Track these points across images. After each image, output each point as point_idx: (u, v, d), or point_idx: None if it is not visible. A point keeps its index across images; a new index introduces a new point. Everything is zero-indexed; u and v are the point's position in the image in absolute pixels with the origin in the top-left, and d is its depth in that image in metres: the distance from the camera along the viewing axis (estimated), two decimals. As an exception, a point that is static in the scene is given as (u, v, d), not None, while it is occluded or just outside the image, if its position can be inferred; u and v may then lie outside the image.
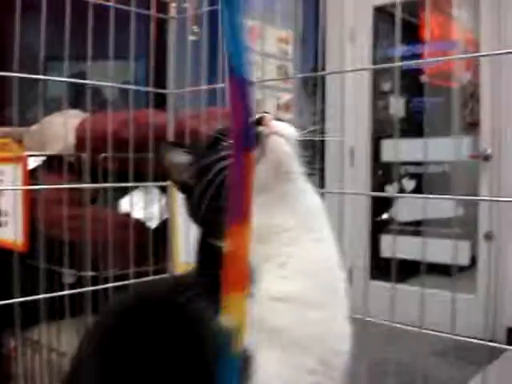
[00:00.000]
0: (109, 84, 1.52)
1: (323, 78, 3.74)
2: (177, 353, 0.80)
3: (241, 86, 0.58)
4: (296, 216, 0.82)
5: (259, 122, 0.75)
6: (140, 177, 1.70)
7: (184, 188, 0.89)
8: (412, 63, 2.55)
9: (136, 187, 1.73)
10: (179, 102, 1.69)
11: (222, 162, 0.77)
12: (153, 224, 1.79)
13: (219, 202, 0.76)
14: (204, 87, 1.57)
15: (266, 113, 0.81)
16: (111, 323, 0.93)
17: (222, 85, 1.46)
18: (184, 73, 1.61)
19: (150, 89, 1.64)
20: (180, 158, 0.88)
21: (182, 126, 1.72)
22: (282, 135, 0.79)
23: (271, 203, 0.81)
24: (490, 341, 3.15)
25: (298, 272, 0.80)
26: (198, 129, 1.70)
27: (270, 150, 0.78)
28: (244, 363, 0.76)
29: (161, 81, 1.80)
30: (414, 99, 3.73)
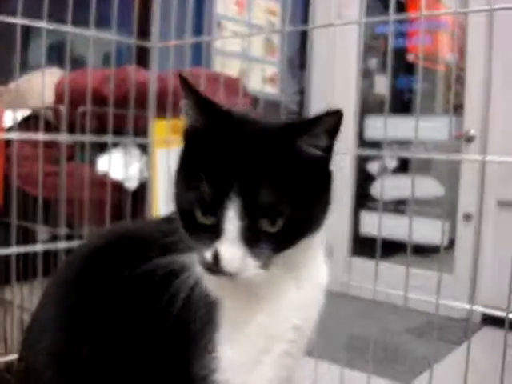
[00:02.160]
0: (91, 33, 1.45)
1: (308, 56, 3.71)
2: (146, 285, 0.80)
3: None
4: None
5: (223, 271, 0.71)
6: (119, 135, 1.67)
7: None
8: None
9: (115, 146, 1.69)
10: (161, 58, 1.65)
11: None
12: (132, 184, 1.74)
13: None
14: (189, 41, 1.52)
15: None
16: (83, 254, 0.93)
17: (207, 38, 1.42)
18: (168, 28, 1.56)
19: (133, 41, 1.58)
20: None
21: (165, 84, 1.68)
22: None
23: None
24: (465, 320, 3.19)
25: None
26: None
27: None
28: (210, 306, 0.78)
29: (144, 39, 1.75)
30: (400, 78, 3.72)
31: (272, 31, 2.34)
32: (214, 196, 0.71)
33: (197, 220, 0.73)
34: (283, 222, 0.71)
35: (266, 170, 0.71)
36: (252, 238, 0.71)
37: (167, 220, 0.85)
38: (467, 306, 1.21)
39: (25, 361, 0.87)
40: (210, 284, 0.79)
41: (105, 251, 0.90)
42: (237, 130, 0.76)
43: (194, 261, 0.77)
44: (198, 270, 0.78)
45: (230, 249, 0.70)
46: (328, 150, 0.76)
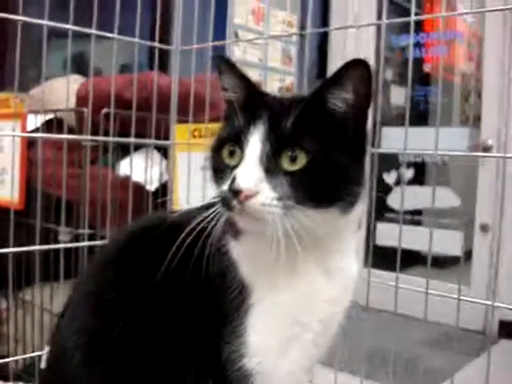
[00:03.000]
0: (114, 35, 1.47)
1: (325, 68, 3.74)
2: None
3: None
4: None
5: (237, 193, 0.71)
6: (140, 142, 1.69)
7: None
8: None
9: (136, 149, 1.71)
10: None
11: None
12: (152, 187, 1.76)
13: None
14: (211, 44, 1.54)
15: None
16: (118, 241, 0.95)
17: (230, 41, 1.43)
18: (189, 32, 1.58)
19: (156, 44, 1.60)
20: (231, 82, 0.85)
21: (186, 88, 1.70)
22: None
23: None
24: (482, 332, 3.15)
25: None
26: (202, 93, 1.67)
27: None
28: (242, 290, 0.79)
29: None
30: (416, 88, 3.72)
31: (293, 34, 2.36)
32: (243, 125, 0.75)
33: (224, 164, 0.77)
34: (304, 162, 0.72)
35: (294, 111, 0.74)
36: (271, 168, 0.72)
37: (205, 207, 0.87)
38: (488, 302, 1.18)
39: (56, 344, 0.88)
40: (244, 266, 0.81)
41: (143, 232, 0.92)
42: (271, 94, 0.84)
43: (229, 239, 0.80)
44: (232, 247, 0.81)
45: (246, 168, 0.72)
46: (356, 109, 0.77)
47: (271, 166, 0.72)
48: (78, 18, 1.46)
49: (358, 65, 0.74)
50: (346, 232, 0.84)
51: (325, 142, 0.74)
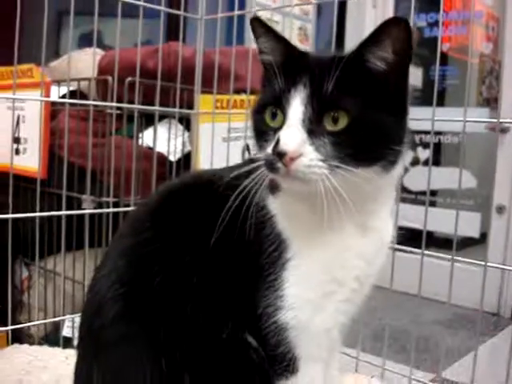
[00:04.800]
0: (141, 3, 1.46)
1: (342, 47, 3.70)
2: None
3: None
4: None
5: (282, 155, 0.71)
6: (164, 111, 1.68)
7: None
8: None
9: (160, 119, 1.70)
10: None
11: None
12: (174, 157, 1.76)
13: None
14: (237, 12, 1.53)
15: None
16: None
17: (254, 10, 1.42)
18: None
19: (181, 12, 1.59)
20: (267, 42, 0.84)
21: (210, 59, 1.69)
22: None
23: None
24: (496, 314, 3.15)
25: None
26: (227, 65, 1.67)
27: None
28: (279, 245, 0.80)
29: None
30: (433, 68, 3.69)
31: (316, 2, 2.32)
32: (284, 89, 0.75)
33: (267, 125, 0.77)
34: (347, 123, 0.73)
35: (334, 73, 0.73)
36: (314, 130, 0.73)
37: (240, 165, 0.89)
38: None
39: (94, 294, 0.88)
40: (283, 222, 0.81)
41: (180, 189, 0.93)
42: (311, 54, 0.83)
43: (268, 195, 0.81)
44: (271, 204, 0.82)
45: (290, 130, 0.72)
46: (396, 68, 0.77)
47: (314, 128, 0.73)
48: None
49: (396, 23, 0.73)
50: (385, 192, 0.85)
51: (366, 102, 0.74)
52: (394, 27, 0.73)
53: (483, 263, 1.21)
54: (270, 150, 0.73)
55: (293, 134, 0.72)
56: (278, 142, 0.72)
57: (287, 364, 0.82)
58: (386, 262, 0.91)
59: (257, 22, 0.82)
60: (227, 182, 0.82)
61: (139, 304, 0.82)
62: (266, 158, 0.74)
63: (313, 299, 0.81)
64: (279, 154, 0.71)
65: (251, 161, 0.84)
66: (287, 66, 0.79)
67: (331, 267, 0.81)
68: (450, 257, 1.26)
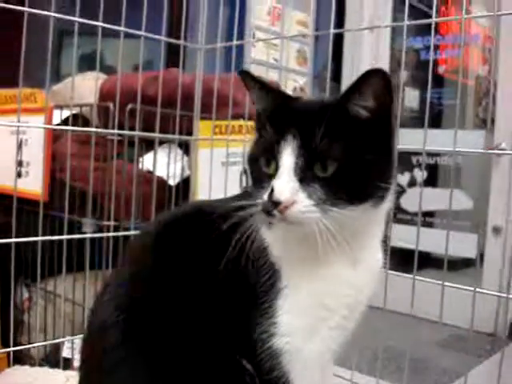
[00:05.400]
0: (141, 33, 1.51)
1: (339, 69, 3.77)
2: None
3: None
4: None
5: (276, 204, 0.77)
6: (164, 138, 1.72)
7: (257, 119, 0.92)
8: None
9: (160, 144, 1.74)
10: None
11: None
12: (174, 181, 1.80)
13: None
14: (235, 42, 1.57)
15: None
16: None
17: (253, 40, 1.46)
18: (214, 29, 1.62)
19: (182, 42, 1.64)
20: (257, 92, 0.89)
21: (208, 86, 1.73)
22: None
23: None
24: (493, 335, 3.15)
25: None
26: (225, 92, 1.71)
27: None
28: (273, 274, 0.84)
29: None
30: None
31: (314, 33, 2.37)
32: (275, 141, 0.80)
33: (262, 171, 0.82)
34: (335, 168, 0.77)
35: (320, 122, 0.78)
36: (305, 178, 0.77)
37: (238, 196, 0.94)
38: (503, 295, 1.20)
39: (95, 320, 0.92)
40: (276, 252, 0.85)
41: (180, 220, 0.97)
42: (297, 101, 0.88)
43: (260, 224, 0.84)
44: (266, 235, 0.86)
45: (283, 179, 0.77)
46: (378, 114, 0.81)
47: (304, 176, 0.77)
48: (95, 17, 1.49)
49: (375, 73, 0.79)
50: (374, 226, 0.89)
51: (352, 147, 0.79)
52: (372, 78, 0.79)
53: (472, 289, 1.23)
54: (266, 197, 0.78)
55: (285, 184, 0.76)
56: (272, 191, 0.77)
57: None
58: (376, 289, 0.94)
59: (245, 74, 0.88)
60: (225, 215, 0.86)
61: (139, 331, 0.85)
62: (263, 205, 0.79)
63: (305, 326, 0.85)
64: (274, 203, 0.76)
65: (247, 192, 0.89)
66: (276, 116, 0.83)
67: (322, 296, 0.85)
68: (440, 282, 1.29)
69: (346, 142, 0.78)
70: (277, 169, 0.79)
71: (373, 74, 0.78)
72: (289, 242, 0.85)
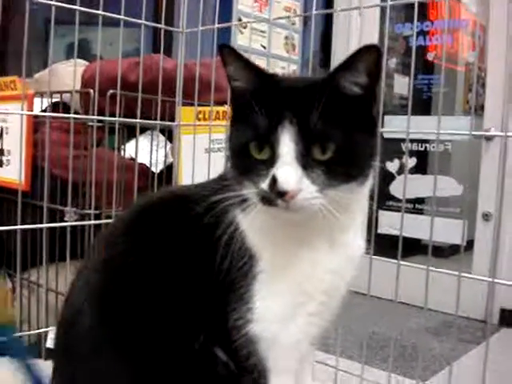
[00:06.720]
0: (121, 17, 1.48)
1: (328, 57, 3.74)
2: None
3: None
4: None
5: (282, 194, 0.74)
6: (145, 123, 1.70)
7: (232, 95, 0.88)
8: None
9: (143, 131, 1.72)
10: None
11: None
12: (157, 169, 1.78)
13: None
14: (217, 26, 1.54)
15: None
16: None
17: (237, 22, 1.44)
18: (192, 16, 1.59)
19: (162, 25, 1.61)
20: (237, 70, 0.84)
21: (191, 72, 1.71)
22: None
23: None
24: (483, 321, 3.16)
25: None
26: (206, 77, 1.68)
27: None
28: (249, 259, 0.82)
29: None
30: (419, 77, 3.72)
31: (298, 15, 2.34)
32: (269, 126, 0.76)
33: (252, 157, 0.78)
34: (333, 150, 0.75)
35: (315, 103, 0.75)
36: (307, 163, 0.75)
37: (215, 181, 0.92)
38: (489, 279, 1.19)
39: (69, 306, 0.90)
40: (252, 236, 0.83)
41: (155, 204, 0.95)
42: (285, 80, 0.85)
43: (238, 211, 0.83)
44: (241, 219, 0.83)
45: (287, 169, 0.74)
46: (369, 90, 0.80)
47: (306, 162, 0.75)
48: (81, 4, 1.46)
49: (369, 49, 0.77)
50: (358, 206, 0.87)
51: (346, 126, 0.77)
52: (367, 54, 0.77)
53: (457, 273, 1.22)
54: (265, 186, 0.75)
55: (291, 173, 0.74)
56: (274, 180, 0.74)
57: (257, 376, 0.84)
58: (357, 274, 0.92)
59: (226, 49, 0.83)
60: (201, 200, 0.84)
61: (112, 317, 0.84)
62: (261, 193, 0.76)
63: (282, 312, 0.83)
64: (279, 193, 0.73)
65: (222, 177, 0.88)
66: (264, 97, 0.79)
67: (299, 280, 0.83)
68: (424, 267, 1.28)
69: (341, 120, 0.77)
70: (273, 155, 0.76)
71: (367, 50, 0.77)
72: (265, 225, 0.82)
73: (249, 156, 0.78)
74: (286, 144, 0.75)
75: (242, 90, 0.83)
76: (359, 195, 0.83)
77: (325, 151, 0.75)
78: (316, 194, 0.74)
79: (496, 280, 1.16)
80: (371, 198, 0.92)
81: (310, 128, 0.75)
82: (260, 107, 0.78)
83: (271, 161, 0.75)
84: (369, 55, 0.77)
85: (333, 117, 0.76)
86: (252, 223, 0.83)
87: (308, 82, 0.82)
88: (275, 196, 0.74)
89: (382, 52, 0.79)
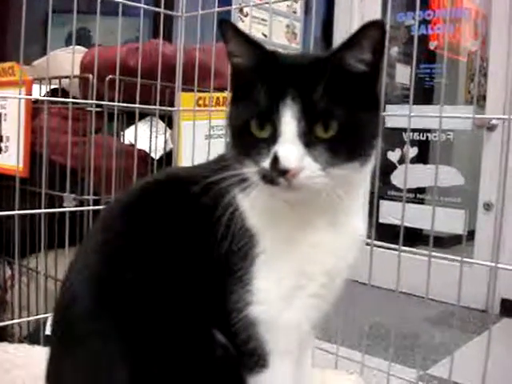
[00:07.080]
0: (120, 0, 1.46)
1: (330, 46, 3.72)
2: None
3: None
4: None
5: (284, 172, 0.72)
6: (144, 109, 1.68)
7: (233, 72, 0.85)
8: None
9: (143, 117, 1.70)
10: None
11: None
12: (156, 155, 1.77)
13: None
14: (217, 9, 1.53)
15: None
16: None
17: (237, 6, 1.42)
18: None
19: (161, 10, 1.59)
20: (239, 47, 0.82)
21: (191, 57, 1.69)
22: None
23: None
24: (484, 311, 3.16)
25: None
26: (207, 63, 1.67)
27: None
28: (249, 240, 0.80)
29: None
30: (421, 66, 3.70)
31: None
32: (271, 103, 0.74)
33: (252, 135, 0.76)
34: (336, 128, 0.73)
35: (318, 80, 0.74)
36: (309, 141, 0.73)
37: (214, 162, 0.89)
38: (492, 264, 1.18)
39: (65, 291, 0.88)
40: (252, 217, 0.81)
41: (154, 186, 0.93)
42: (287, 57, 0.82)
43: (237, 191, 0.81)
44: (241, 199, 0.81)
45: (289, 147, 0.72)
46: (373, 67, 0.78)
47: (309, 140, 0.73)
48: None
49: (375, 25, 0.75)
50: (358, 187, 0.86)
51: (350, 104, 0.75)
52: (372, 29, 0.75)
53: (459, 259, 1.21)
54: (266, 165, 0.73)
55: (292, 151, 0.72)
56: (276, 158, 0.72)
57: (257, 359, 0.82)
58: (359, 256, 0.91)
59: (226, 24, 0.81)
60: (200, 180, 0.82)
61: (110, 299, 0.82)
62: (262, 172, 0.74)
63: (282, 294, 0.81)
64: (281, 171, 0.71)
65: (222, 158, 0.85)
66: (267, 74, 0.77)
67: (300, 262, 0.82)
68: (426, 252, 1.26)
69: (344, 98, 0.75)
70: (274, 133, 0.74)
71: (372, 26, 0.75)
72: (266, 206, 0.81)
73: (249, 134, 0.76)
74: (288, 121, 0.73)
75: (242, 67, 0.81)
76: (362, 175, 0.81)
77: (327, 129, 0.73)
78: (319, 173, 0.73)
79: (499, 265, 1.15)
80: (372, 185, 0.91)
81: (312, 105, 0.73)
82: (261, 84, 0.76)
83: (273, 139, 0.74)
84: (373, 31, 0.75)
85: (336, 94, 0.74)
86: (252, 203, 0.82)
87: (311, 59, 0.80)
88: (277, 175, 0.72)
89: (386, 28, 0.77)
